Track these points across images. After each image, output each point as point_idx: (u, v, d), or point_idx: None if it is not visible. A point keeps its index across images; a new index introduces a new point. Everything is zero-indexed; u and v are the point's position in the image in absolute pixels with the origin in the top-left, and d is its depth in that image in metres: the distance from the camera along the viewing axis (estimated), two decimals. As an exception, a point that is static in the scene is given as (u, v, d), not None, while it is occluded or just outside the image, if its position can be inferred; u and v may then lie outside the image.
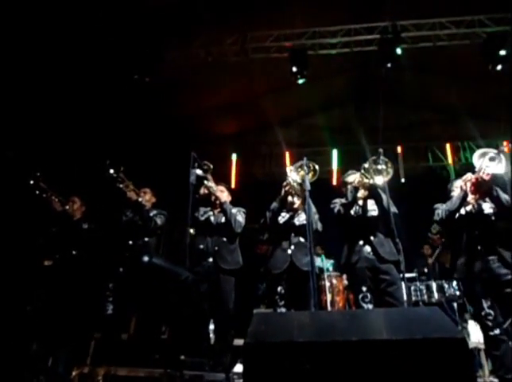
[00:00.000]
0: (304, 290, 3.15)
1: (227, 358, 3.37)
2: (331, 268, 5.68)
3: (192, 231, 3.87)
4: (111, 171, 3.92)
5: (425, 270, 6.05)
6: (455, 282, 4.89)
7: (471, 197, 3.28)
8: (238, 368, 3.32)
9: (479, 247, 3.13)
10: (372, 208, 3.49)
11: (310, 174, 3.35)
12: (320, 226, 3.77)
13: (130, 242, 3.97)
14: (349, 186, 3.54)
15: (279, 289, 3.51)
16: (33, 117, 5.36)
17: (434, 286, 5.08)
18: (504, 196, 3.13)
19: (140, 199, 4.04)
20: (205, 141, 7.10)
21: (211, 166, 3.75)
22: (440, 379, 1.47)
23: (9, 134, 5.05)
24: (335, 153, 8.32)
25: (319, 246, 5.60)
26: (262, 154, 8.65)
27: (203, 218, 3.90)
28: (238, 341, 3.52)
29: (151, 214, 4.08)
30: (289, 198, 3.75)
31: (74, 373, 2.77)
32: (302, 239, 3.61)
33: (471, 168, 3.32)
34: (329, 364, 1.52)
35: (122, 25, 5.25)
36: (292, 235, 3.67)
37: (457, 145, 8.13)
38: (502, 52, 5.08)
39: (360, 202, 3.52)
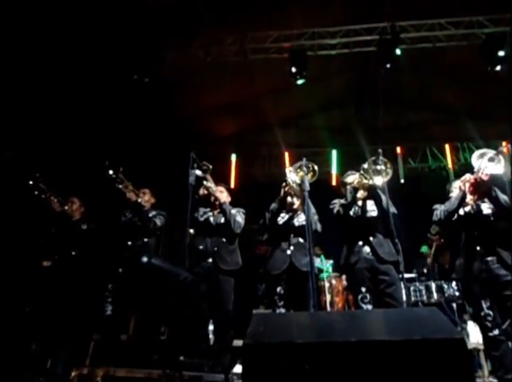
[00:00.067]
0: (304, 291, 3.15)
1: (226, 359, 3.37)
2: (330, 269, 5.69)
3: (191, 231, 3.87)
4: (110, 172, 3.93)
5: (425, 270, 6.05)
6: (454, 283, 4.88)
7: (469, 198, 3.29)
8: (238, 368, 3.32)
9: (477, 248, 3.13)
10: (371, 209, 3.49)
11: (309, 175, 3.35)
12: (319, 227, 3.76)
13: (129, 242, 3.97)
14: (348, 187, 3.54)
15: (278, 289, 3.51)
16: (33, 117, 5.35)
17: (433, 286, 5.08)
18: (503, 197, 3.14)
19: (139, 199, 4.04)
20: (204, 141, 7.09)
21: (211, 167, 3.75)
22: (438, 379, 1.47)
23: (9, 135, 5.04)
24: (335, 154, 8.32)
25: (318, 246, 5.60)
26: (262, 155, 8.65)
27: (202, 219, 3.90)
28: (238, 342, 3.52)
29: (150, 215, 4.08)
30: (289, 199, 3.75)
31: (73, 374, 2.77)
32: (301, 240, 3.61)
33: (470, 168, 3.33)
34: (328, 365, 1.52)
35: (121, 25, 5.25)
36: (292, 235, 3.66)
37: (456, 145, 8.14)
38: (501, 53, 5.09)
39: (359, 203, 3.52)
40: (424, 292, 5.09)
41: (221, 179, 4.38)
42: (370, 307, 3.15)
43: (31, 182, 4.21)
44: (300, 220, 3.74)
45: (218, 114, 7.25)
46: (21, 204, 4.66)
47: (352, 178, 3.57)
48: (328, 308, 4.95)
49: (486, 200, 3.30)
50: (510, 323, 3.19)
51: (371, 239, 3.35)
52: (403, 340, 1.55)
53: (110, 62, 5.56)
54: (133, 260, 3.77)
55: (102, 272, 4.03)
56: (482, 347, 3.72)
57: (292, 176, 3.49)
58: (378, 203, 3.41)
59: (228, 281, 3.67)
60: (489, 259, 3.08)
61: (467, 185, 3.23)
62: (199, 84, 6.36)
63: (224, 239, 3.77)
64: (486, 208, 3.27)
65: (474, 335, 4.16)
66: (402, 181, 7.96)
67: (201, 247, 3.71)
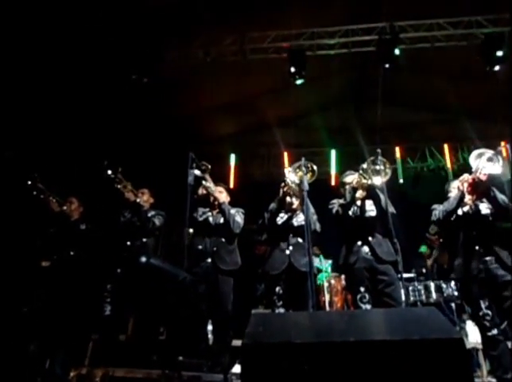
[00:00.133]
0: (303, 291, 3.15)
1: (225, 359, 3.36)
2: (329, 269, 5.69)
3: (191, 230, 3.87)
4: (109, 172, 3.92)
5: (423, 270, 6.06)
6: (453, 283, 4.89)
7: (468, 198, 3.29)
8: (237, 368, 3.32)
9: (476, 248, 3.14)
10: (370, 209, 3.49)
11: (308, 175, 3.35)
12: (318, 226, 3.76)
13: (128, 242, 3.97)
14: (347, 187, 3.54)
15: (277, 289, 3.51)
16: (32, 117, 5.34)
17: (432, 286, 5.08)
18: (501, 197, 3.14)
19: (138, 200, 4.04)
20: (203, 141, 7.10)
21: (209, 167, 3.74)
22: (437, 379, 1.47)
23: (9, 135, 5.03)
24: (334, 154, 8.32)
25: (316, 246, 5.61)
26: (261, 155, 8.65)
27: (201, 219, 3.89)
28: (237, 342, 3.52)
29: (149, 215, 4.07)
30: (288, 199, 3.75)
31: (72, 374, 2.77)
32: (300, 240, 3.61)
33: (469, 168, 3.33)
34: (327, 365, 1.52)
35: (121, 25, 5.25)
36: (291, 235, 3.66)
37: (455, 145, 8.15)
38: (500, 53, 5.10)
39: (358, 203, 3.52)
40: (423, 292, 5.10)
41: (220, 179, 4.38)
42: (368, 307, 3.15)
43: (29, 182, 4.20)
44: (299, 220, 3.74)
45: (217, 114, 7.25)
46: (20, 204, 4.65)
47: (351, 178, 3.58)
48: (327, 308, 4.95)
49: (484, 200, 3.31)
50: (508, 323, 3.20)
51: (370, 239, 3.35)
52: (402, 340, 1.55)
53: (110, 62, 5.55)
54: (131, 260, 3.77)
55: (101, 272, 4.03)
56: (480, 347, 3.73)
57: (291, 176, 3.49)
58: (377, 203, 3.42)
59: (227, 281, 3.67)
60: (487, 258, 3.08)
61: (466, 185, 3.24)
62: (198, 84, 6.36)
63: (223, 239, 3.77)
64: (485, 208, 3.28)
65: (473, 335, 4.17)
66: (401, 181, 7.97)
67: (200, 247, 3.71)
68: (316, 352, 1.54)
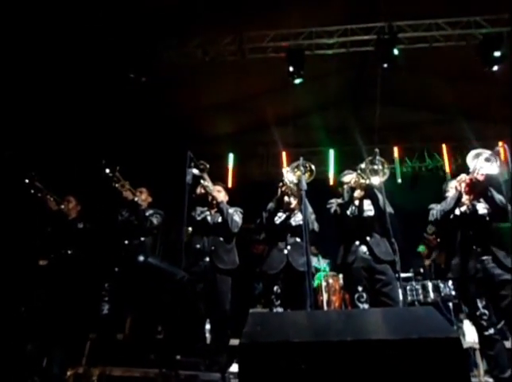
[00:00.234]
0: (301, 290, 3.16)
1: (223, 358, 3.36)
2: (327, 268, 5.70)
3: (190, 229, 3.87)
4: (107, 170, 3.90)
5: (421, 270, 6.07)
6: (450, 282, 4.91)
7: (465, 198, 3.30)
8: (234, 367, 3.32)
9: (473, 247, 3.15)
10: (368, 209, 3.49)
11: (306, 174, 3.35)
12: (316, 226, 3.76)
13: (126, 242, 3.95)
14: (345, 186, 3.55)
15: (275, 288, 3.51)
16: (30, 116, 5.33)
17: (430, 285, 5.10)
18: (498, 197, 3.15)
19: (136, 198, 4.03)
20: (201, 140, 7.08)
21: (208, 166, 3.74)
22: (434, 378, 1.47)
23: (7, 134, 5.01)
24: (332, 154, 8.32)
25: (313, 246, 5.61)
26: (259, 154, 8.65)
27: (199, 218, 3.89)
28: (234, 341, 3.52)
29: (147, 214, 4.06)
30: (286, 198, 3.75)
31: (69, 373, 2.77)
32: (298, 240, 3.61)
33: (466, 168, 3.34)
34: (325, 364, 1.52)
35: (120, 24, 5.23)
36: (289, 235, 3.67)
37: (453, 145, 8.16)
38: (498, 53, 5.11)
39: (356, 202, 3.53)
40: (420, 291, 5.12)
41: (218, 178, 4.37)
42: (366, 306, 3.16)
43: (27, 181, 4.19)
44: (297, 219, 3.74)
45: (215, 113, 7.23)
46: (18, 202, 4.63)
47: (349, 178, 3.58)
48: (325, 307, 4.96)
49: (481, 200, 3.32)
50: (505, 322, 3.21)
51: (368, 238, 3.36)
52: (399, 339, 1.55)
53: (108, 61, 5.54)
54: (129, 259, 3.76)
55: (99, 271, 4.01)
56: (477, 346, 3.74)
57: (290, 175, 3.49)
58: (375, 202, 3.42)
59: (225, 280, 3.66)
60: (484, 258, 3.09)
61: (463, 185, 3.25)
62: (196, 83, 6.34)
63: (221, 239, 3.77)
64: (482, 208, 3.29)
65: (470, 334, 4.18)
66: (399, 180, 7.98)
67: (198, 246, 3.70)
68: (314, 351, 1.54)
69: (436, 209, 3.39)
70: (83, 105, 5.77)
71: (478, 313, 3.01)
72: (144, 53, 5.58)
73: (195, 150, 3.52)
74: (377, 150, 3.33)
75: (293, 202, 3.80)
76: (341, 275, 5.00)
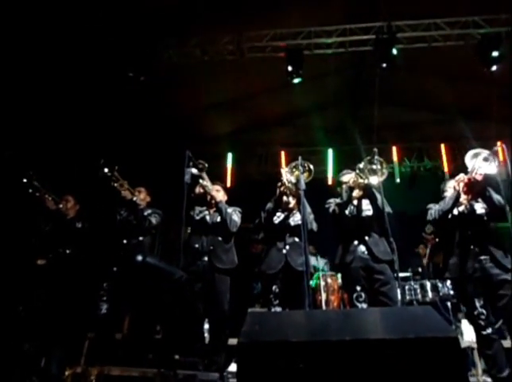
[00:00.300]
0: (299, 290, 3.16)
1: (222, 357, 3.36)
2: (326, 268, 5.70)
3: (189, 229, 3.87)
4: (106, 170, 3.90)
5: (420, 269, 6.08)
6: (449, 282, 4.91)
7: (463, 198, 3.31)
8: (233, 367, 3.32)
9: (471, 247, 3.15)
10: (367, 208, 3.50)
11: (305, 174, 3.36)
12: (315, 226, 3.77)
13: (124, 241, 3.95)
14: (344, 186, 3.55)
15: (274, 288, 3.52)
16: (29, 115, 5.31)
17: (428, 285, 5.11)
18: (496, 197, 3.15)
19: (134, 198, 4.02)
20: (200, 140, 7.07)
21: (206, 165, 3.74)
22: (432, 378, 1.47)
23: (6, 133, 5.00)
24: (331, 153, 8.33)
25: (312, 246, 5.62)
26: (258, 154, 8.64)
27: (198, 217, 3.89)
28: (233, 341, 3.52)
29: (145, 213, 4.06)
30: (284, 198, 3.75)
31: (67, 373, 2.76)
32: (297, 240, 3.61)
33: (465, 168, 3.34)
34: (323, 364, 1.52)
35: (119, 24, 5.23)
36: (287, 235, 3.67)
37: (452, 145, 8.17)
38: (496, 53, 5.12)
39: (355, 202, 3.53)
40: (418, 291, 5.12)
41: (217, 178, 4.37)
42: (365, 306, 3.16)
43: (25, 180, 4.18)
44: (295, 219, 3.75)
45: (214, 112, 7.23)
46: (16, 202, 4.62)
47: (348, 177, 3.58)
48: (324, 307, 4.96)
49: (479, 199, 3.33)
50: (503, 322, 3.21)
51: (367, 238, 3.36)
52: (398, 338, 1.55)
53: (108, 61, 5.53)
54: (128, 259, 3.76)
55: (97, 271, 4.01)
56: (475, 346, 3.75)
57: (288, 175, 3.49)
58: (374, 202, 3.43)
59: (224, 280, 3.66)
60: (482, 258, 3.09)
61: (461, 184, 3.25)
62: (195, 83, 6.33)
63: (220, 238, 3.77)
64: (480, 207, 3.29)
65: (468, 334, 4.19)
66: (398, 180, 7.99)
67: (197, 245, 3.70)
68: (312, 350, 1.54)
69: (434, 209, 3.40)
70: (82, 104, 5.76)
71: (476, 312, 3.02)
72: (143, 53, 5.57)
73: (193, 150, 3.51)
74: (375, 149, 3.33)
75: (292, 202, 3.80)
76: (339, 275, 5.00)
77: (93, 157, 4.11)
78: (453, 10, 5.35)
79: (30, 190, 4.20)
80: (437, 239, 5.80)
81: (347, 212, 3.50)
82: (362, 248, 3.34)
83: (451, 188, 3.41)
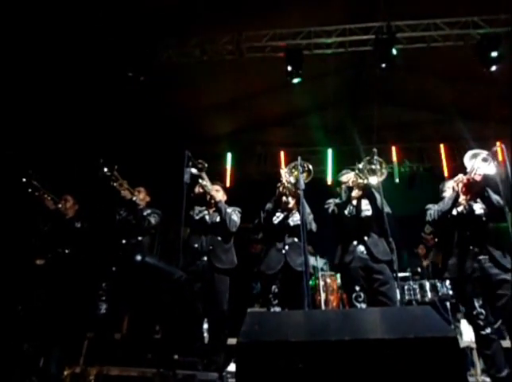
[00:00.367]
0: (298, 290, 3.16)
1: (221, 357, 3.36)
2: (325, 267, 5.71)
3: (188, 229, 3.87)
4: (105, 170, 3.90)
5: (419, 269, 6.09)
6: (448, 282, 4.92)
7: (462, 198, 3.31)
8: (232, 367, 3.32)
9: (470, 247, 3.15)
10: (366, 208, 3.50)
11: (304, 174, 3.35)
12: (314, 226, 3.77)
13: (124, 241, 3.95)
14: (343, 186, 3.55)
15: (273, 288, 3.52)
16: (28, 115, 5.31)
17: (427, 285, 5.12)
18: (495, 197, 3.16)
19: (134, 198, 4.02)
20: (200, 140, 7.07)
21: (206, 165, 3.74)
22: (431, 378, 1.48)
23: (7, 134, 5.00)
24: (330, 153, 8.33)
25: (310, 246, 5.62)
26: (257, 154, 8.64)
27: (197, 217, 3.89)
28: (232, 340, 3.52)
29: (145, 213, 4.06)
30: (284, 198, 3.75)
31: (66, 373, 2.75)
32: (296, 240, 3.61)
33: (464, 168, 3.35)
34: (322, 364, 1.52)
35: (120, 24, 5.22)
36: (287, 235, 3.67)
37: (451, 145, 8.18)
38: (495, 54, 5.12)
39: (354, 202, 3.53)
40: (418, 291, 5.13)
41: (216, 178, 4.37)
42: (364, 306, 3.16)
43: (24, 179, 4.18)
44: (295, 219, 3.75)
45: (213, 112, 7.23)
46: (15, 201, 4.62)
47: (347, 177, 3.58)
48: (323, 307, 4.96)
49: (478, 200, 3.33)
50: (502, 322, 3.22)
51: (366, 238, 3.36)
52: (397, 338, 1.55)
53: (107, 61, 5.53)
54: (127, 259, 3.75)
55: (96, 271, 4.01)
56: (474, 345, 3.76)
57: (287, 176, 3.49)
58: (373, 202, 3.43)
59: (223, 279, 3.66)
60: (481, 258, 3.10)
61: (460, 185, 3.25)
62: (194, 83, 6.33)
63: (219, 238, 3.77)
64: (479, 208, 3.30)
65: (467, 334, 4.20)
66: (397, 180, 7.99)
67: (196, 245, 3.70)
68: (312, 350, 1.54)
69: (433, 209, 3.40)
70: (81, 104, 5.76)
71: (474, 312, 3.02)
72: (143, 53, 5.57)
73: (193, 150, 3.51)
74: (375, 149, 3.33)
75: (291, 202, 3.80)
76: (339, 275, 5.00)
77: (92, 156, 4.10)
78: (453, 10, 5.36)
79: (29, 190, 4.20)
80: (436, 240, 5.81)
81: (346, 212, 3.50)
82: (362, 248, 3.34)
83: (450, 188, 3.41)
